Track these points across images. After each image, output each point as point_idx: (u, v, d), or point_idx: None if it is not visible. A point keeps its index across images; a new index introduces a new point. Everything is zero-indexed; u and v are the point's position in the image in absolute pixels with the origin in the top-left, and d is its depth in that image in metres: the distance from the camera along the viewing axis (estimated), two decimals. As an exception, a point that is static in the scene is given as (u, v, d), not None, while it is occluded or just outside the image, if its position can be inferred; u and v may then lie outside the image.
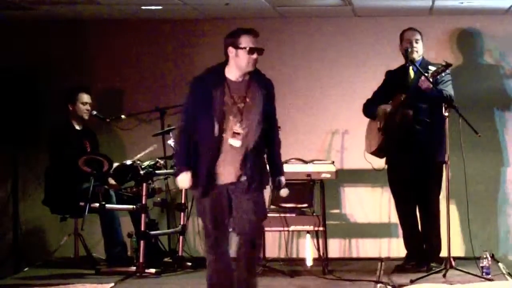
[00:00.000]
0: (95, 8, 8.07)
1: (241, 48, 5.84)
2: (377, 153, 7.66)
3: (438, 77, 7.28)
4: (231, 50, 5.87)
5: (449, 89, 7.44)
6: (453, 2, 7.82)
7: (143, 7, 8.06)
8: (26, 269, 8.06)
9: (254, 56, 5.86)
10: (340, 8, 8.09)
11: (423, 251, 7.63)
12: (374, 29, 8.57)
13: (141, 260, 7.53)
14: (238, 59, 5.86)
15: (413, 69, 7.53)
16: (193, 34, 8.75)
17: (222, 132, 5.84)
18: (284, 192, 6.10)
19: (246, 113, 5.86)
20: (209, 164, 5.84)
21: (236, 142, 5.84)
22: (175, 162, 6.36)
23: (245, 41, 5.85)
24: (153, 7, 8.04)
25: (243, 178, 5.88)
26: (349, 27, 8.61)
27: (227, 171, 5.87)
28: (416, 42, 7.56)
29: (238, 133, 5.85)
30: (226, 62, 5.93)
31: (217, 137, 5.83)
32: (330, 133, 8.60)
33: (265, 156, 6.01)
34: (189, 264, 7.90)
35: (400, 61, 7.68)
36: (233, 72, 5.90)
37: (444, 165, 7.23)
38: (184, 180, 5.91)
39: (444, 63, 7.26)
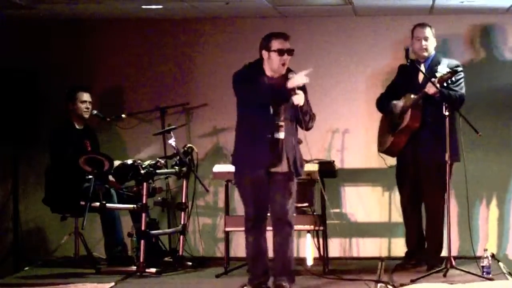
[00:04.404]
0: (96, 7, 8.07)
1: (273, 51, 6.38)
2: (389, 152, 7.66)
3: (445, 84, 7.28)
4: (264, 53, 6.43)
5: (460, 87, 7.44)
6: (453, 1, 7.81)
7: (143, 6, 8.05)
8: (26, 268, 8.04)
9: (285, 57, 6.40)
10: (340, 7, 8.08)
11: (424, 250, 7.63)
12: (374, 28, 8.56)
13: (141, 260, 7.52)
14: (270, 61, 6.41)
15: (425, 65, 7.51)
16: (193, 33, 8.74)
17: (275, 120, 6.37)
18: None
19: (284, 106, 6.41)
20: (267, 151, 6.35)
21: (281, 135, 6.38)
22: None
23: (276, 44, 6.40)
24: (153, 6, 8.04)
25: (285, 169, 6.42)
26: (350, 27, 8.60)
27: (274, 160, 6.42)
28: (426, 40, 7.52)
29: (281, 126, 6.38)
30: (262, 60, 6.45)
31: (272, 125, 6.35)
32: (330, 132, 8.59)
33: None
34: (190, 263, 7.90)
35: (400, 59, 7.67)
36: (268, 71, 6.47)
37: (447, 165, 7.21)
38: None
39: (450, 70, 7.28)
